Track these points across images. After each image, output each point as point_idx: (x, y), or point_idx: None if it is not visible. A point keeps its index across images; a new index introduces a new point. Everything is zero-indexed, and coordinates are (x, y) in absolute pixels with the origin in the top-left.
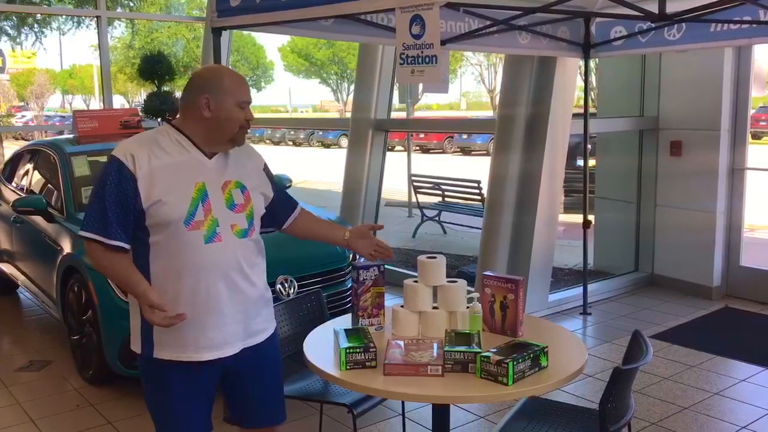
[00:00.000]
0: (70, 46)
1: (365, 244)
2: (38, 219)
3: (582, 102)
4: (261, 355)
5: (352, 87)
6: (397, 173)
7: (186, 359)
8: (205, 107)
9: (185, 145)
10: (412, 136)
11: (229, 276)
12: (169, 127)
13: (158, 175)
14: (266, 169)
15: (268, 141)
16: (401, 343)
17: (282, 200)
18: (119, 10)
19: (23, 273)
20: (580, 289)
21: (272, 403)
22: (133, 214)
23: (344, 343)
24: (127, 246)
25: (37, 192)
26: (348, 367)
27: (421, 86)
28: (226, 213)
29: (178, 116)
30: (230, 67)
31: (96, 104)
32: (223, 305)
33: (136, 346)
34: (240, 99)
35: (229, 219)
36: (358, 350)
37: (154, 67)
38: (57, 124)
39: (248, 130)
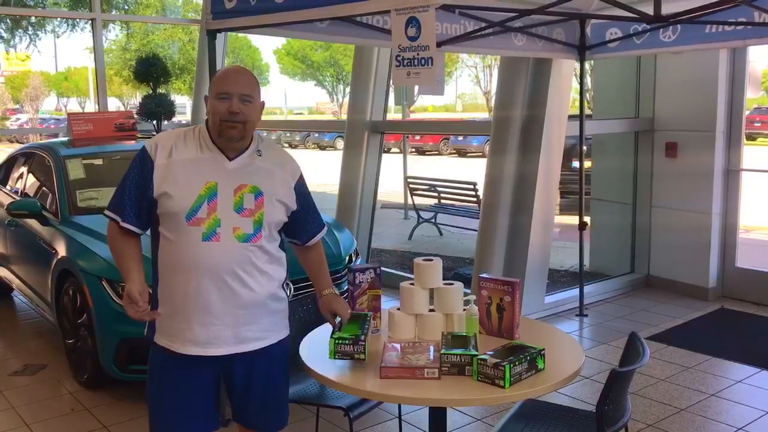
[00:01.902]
0: (65, 49)
1: (328, 309)
2: (33, 222)
3: (578, 103)
4: (255, 363)
5: (348, 89)
6: (392, 175)
7: (175, 350)
8: (207, 106)
9: (208, 144)
10: (407, 137)
11: (222, 277)
12: (203, 126)
13: (174, 168)
14: (300, 182)
15: None
16: (398, 345)
17: (305, 219)
18: (114, 12)
19: (18, 276)
20: (576, 291)
21: (269, 410)
22: (147, 200)
23: (336, 332)
24: (138, 231)
25: (31, 195)
26: (336, 357)
27: (416, 88)
28: (231, 215)
29: None
30: None
31: (91, 107)
32: (211, 304)
33: (146, 330)
34: (218, 89)
35: (233, 221)
36: (347, 342)
37: (149, 70)
38: (52, 126)
39: (237, 124)
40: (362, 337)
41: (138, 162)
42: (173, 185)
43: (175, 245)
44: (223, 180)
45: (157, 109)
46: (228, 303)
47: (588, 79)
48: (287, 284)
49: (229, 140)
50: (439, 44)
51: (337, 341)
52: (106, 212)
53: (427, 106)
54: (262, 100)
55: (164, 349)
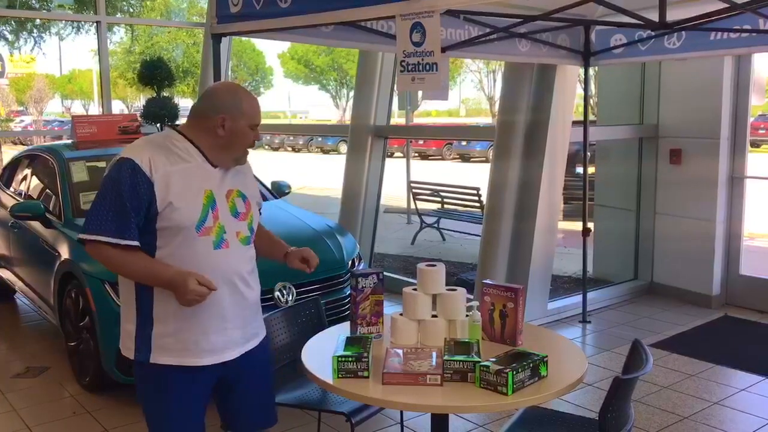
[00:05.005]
0: (70, 51)
1: (297, 258)
2: (36, 224)
3: (582, 109)
4: (252, 359)
5: (351, 92)
6: (396, 180)
7: (186, 364)
8: (221, 126)
9: (193, 153)
10: (411, 142)
11: (233, 281)
12: (177, 134)
13: (172, 179)
14: (255, 177)
15: (267, 147)
16: (400, 351)
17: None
18: (119, 15)
19: (21, 279)
20: (579, 297)
21: (262, 407)
22: (145, 216)
23: (338, 351)
24: (138, 245)
25: (35, 197)
26: (340, 376)
27: (420, 93)
28: (231, 220)
29: (184, 123)
30: (229, 73)
31: (95, 109)
32: (225, 310)
33: (128, 352)
34: (253, 122)
35: (235, 226)
36: (350, 359)
37: (153, 73)
38: (56, 129)
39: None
40: (365, 354)
41: (128, 178)
42: (177, 197)
43: (183, 258)
44: (215, 187)
45: (161, 112)
46: (238, 306)
47: (592, 85)
48: (288, 288)
49: (238, 164)
50: (443, 49)
51: (339, 359)
52: (94, 236)
53: (431, 111)
54: None
55: (167, 367)
